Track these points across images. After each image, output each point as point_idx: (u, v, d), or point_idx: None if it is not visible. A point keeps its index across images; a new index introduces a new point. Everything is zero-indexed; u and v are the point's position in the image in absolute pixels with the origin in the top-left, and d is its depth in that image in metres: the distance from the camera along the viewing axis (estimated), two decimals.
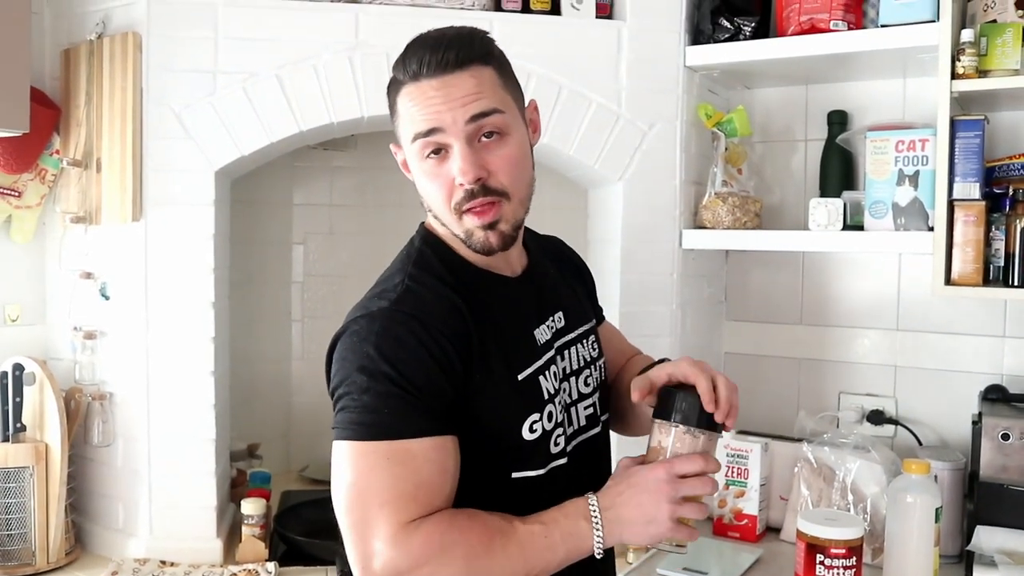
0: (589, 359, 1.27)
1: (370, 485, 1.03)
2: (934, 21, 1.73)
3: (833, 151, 2.04)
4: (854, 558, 1.52)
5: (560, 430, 1.18)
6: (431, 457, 1.04)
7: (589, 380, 1.26)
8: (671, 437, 1.11)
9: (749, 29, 1.95)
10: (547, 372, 1.18)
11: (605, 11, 1.99)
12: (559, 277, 1.33)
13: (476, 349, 1.10)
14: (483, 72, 1.11)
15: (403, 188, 2.49)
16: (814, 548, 1.52)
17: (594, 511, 1.07)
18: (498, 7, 1.96)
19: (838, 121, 2.06)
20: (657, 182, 1.96)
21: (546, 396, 1.16)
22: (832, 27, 1.84)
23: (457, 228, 1.13)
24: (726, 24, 1.95)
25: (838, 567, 1.51)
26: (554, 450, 1.17)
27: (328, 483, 2.36)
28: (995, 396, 1.88)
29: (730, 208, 1.95)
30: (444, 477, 1.05)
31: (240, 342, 2.30)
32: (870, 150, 1.84)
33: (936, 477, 1.77)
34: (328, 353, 1.16)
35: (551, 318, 1.23)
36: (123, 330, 1.92)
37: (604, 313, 1.47)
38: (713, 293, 2.23)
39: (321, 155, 2.52)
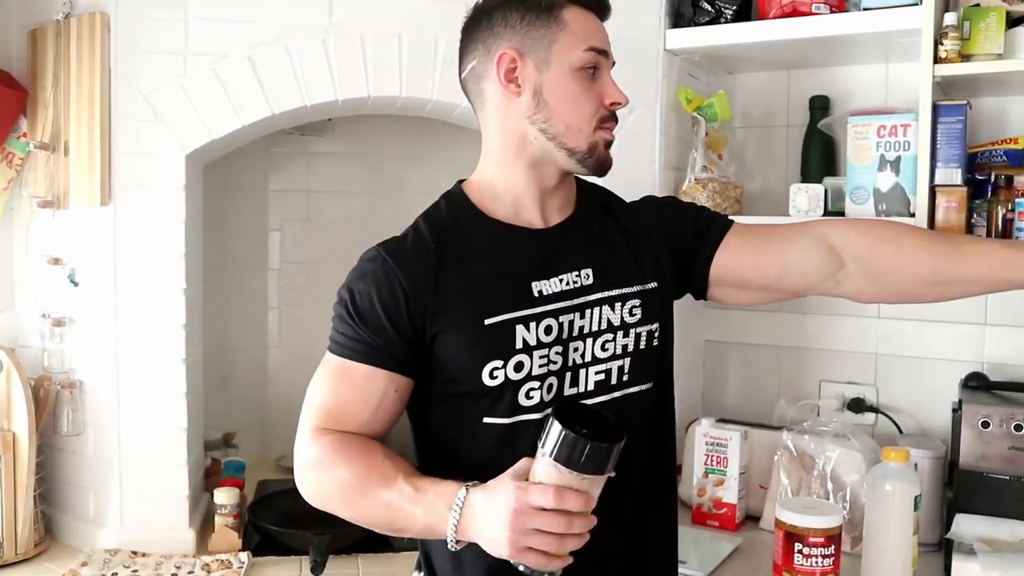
0: (616, 324, 1.23)
1: (313, 390, 1.20)
2: (917, 4, 1.70)
3: (814, 137, 2.02)
4: (832, 547, 1.50)
5: (535, 384, 1.17)
6: (358, 383, 1.16)
7: (608, 345, 1.23)
8: (538, 463, 1.05)
9: (730, 12, 1.92)
10: (534, 323, 1.18)
11: None
12: (611, 236, 1.29)
13: (432, 292, 1.17)
14: None
15: (381, 174, 2.53)
16: (792, 537, 1.50)
17: (458, 504, 1.06)
18: None
19: (820, 106, 2.04)
20: (636, 167, 1.93)
21: (519, 346, 1.17)
22: (814, 10, 1.82)
23: (584, 140, 1.20)
24: (707, 7, 1.93)
25: (816, 556, 1.50)
26: (525, 403, 1.17)
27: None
28: (975, 384, 1.87)
29: (710, 194, 1.93)
30: (364, 405, 1.16)
31: (215, 329, 2.27)
32: (851, 135, 1.82)
33: (916, 465, 1.76)
34: None
35: (571, 273, 1.23)
36: (92, 317, 1.88)
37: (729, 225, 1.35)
38: None
39: (298, 140, 2.48)
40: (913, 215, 1.72)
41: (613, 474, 1.05)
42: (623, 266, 1.27)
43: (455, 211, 1.25)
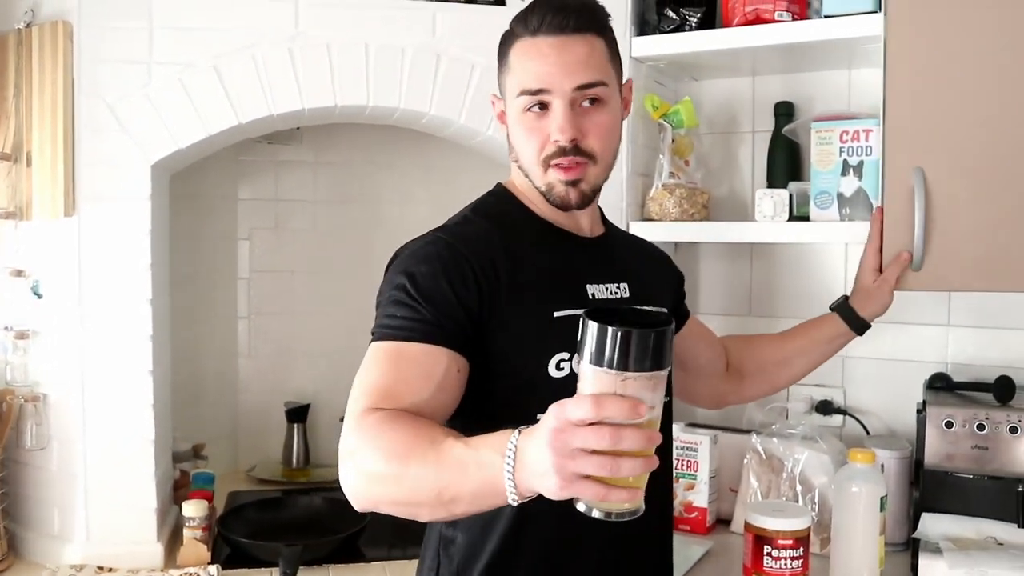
0: None
1: (361, 378, 1.11)
2: (877, 12, 1.73)
3: (779, 142, 2.04)
4: (801, 548, 1.52)
5: None
6: (419, 360, 1.10)
7: None
8: (580, 377, 0.90)
9: (695, 20, 1.94)
10: None
11: None
12: (634, 260, 1.40)
13: (506, 280, 1.17)
14: (596, 43, 1.22)
15: (351, 183, 2.52)
16: (761, 540, 1.52)
17: (511, 448, 0.90)
18: None
19: (784, 112, 2.06)
20: None
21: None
22: (776, 17, 1.83)
23: (540, 180, 1.23)
24: (672, 15, 1.94)
25: (785, 558, 1.51)
26: None
27: (275, 482, 2.34)
28: (940, 384, 1.89)
29: (677, 200, 1.94)
30: (426, 382, 1.10)
31: (184, 340, 2.25)
32: (815, 141, 1.84)
33: (883, 466, 1.78)
34: (385, 271, 1.24)
35: (613, 284, 1.28)
36: (56, 329, 1.86)
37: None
38: None
39: (266, 149, 2.47)
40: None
41: (665, 370, 0.87)
42: (650, 288, 1.36)
43: (506, 207, 1.29)
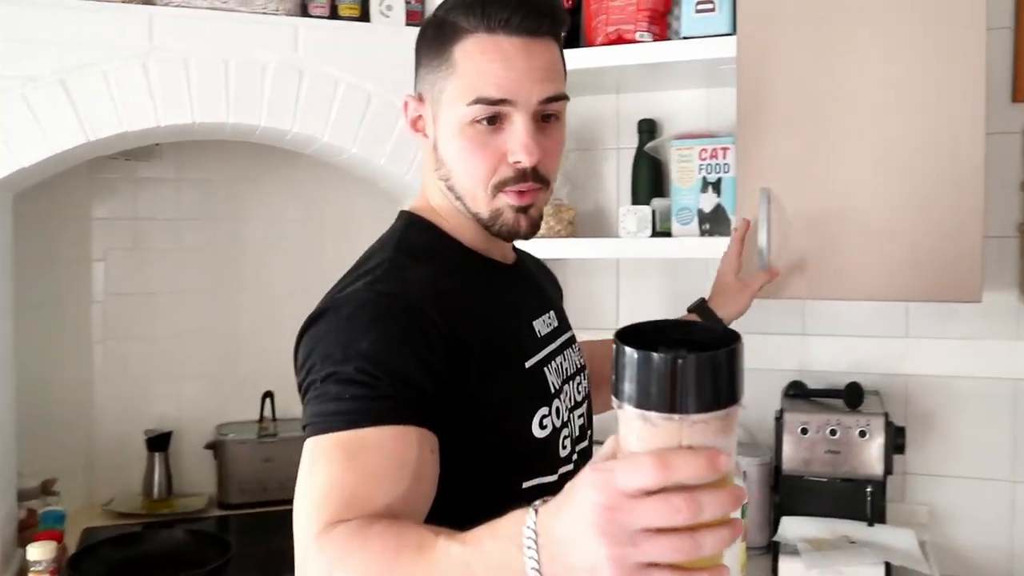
0: (579, 366, 1.19)
1: (312, 482, 0.87)
2: (733, 34, 1.79)
3: (642, 159, 2.09)
4: None
5: (567, 431, 1.07)
6: (386, 448, 0.87)
7: (580, 388, 1.16)
8: (621, 427, 0.64)
9: None
10: (550, 365, 1.08)
11: (416, 18, 1.96)
12: (543, 282, 1.30)
13: (471, 335, 0.97)
14: (555, 49, 1.06)
15: (215, 200, 2.44)
16: None
17: (530, 534, 0.67)
18: (305, 12, 1.90)
19: (647, 129, 2.11)
20: None
21: (552, 390, 1.05)
22: (638, 38, 1.89)
23: (483, 206, 1.04)
24: None
25: None
26: (562, 453, 1.05)
27: (135, 515, 2.22)
28: (795, 392, 1.98)
29: (544, 217, 1.96)
30: (400, 474, 0.87)
31: (33, 368, 2.13)
32: (675, 158, 1.90)
33: (745, 473, 1.85)
34: (296, 344, 1.00)
35: (547, 315, 1.15)
36: None
37: None
38: None
39: (123, 165, 2.36)
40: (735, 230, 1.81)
41: (744, 406, 0.63)
42: (561, 311, 1.25)
43: (434, 243, 1.08)
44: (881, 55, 1.63)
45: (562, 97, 1.04)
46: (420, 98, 1.08)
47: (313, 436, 0.89)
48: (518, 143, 1.00)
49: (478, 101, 1.00)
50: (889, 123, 1.63)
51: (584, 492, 0.62)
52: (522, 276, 1.18)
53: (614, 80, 2.11)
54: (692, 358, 0.59)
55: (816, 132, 1.67)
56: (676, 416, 0.59)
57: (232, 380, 2.43)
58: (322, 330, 0.95)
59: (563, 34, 1.09)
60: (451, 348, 0.94)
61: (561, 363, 1.13)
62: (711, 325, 0.63)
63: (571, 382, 1.14)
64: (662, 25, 1.91)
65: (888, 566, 1.68)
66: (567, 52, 1.89)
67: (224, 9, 1.80)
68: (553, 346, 1.12)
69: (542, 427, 1.02)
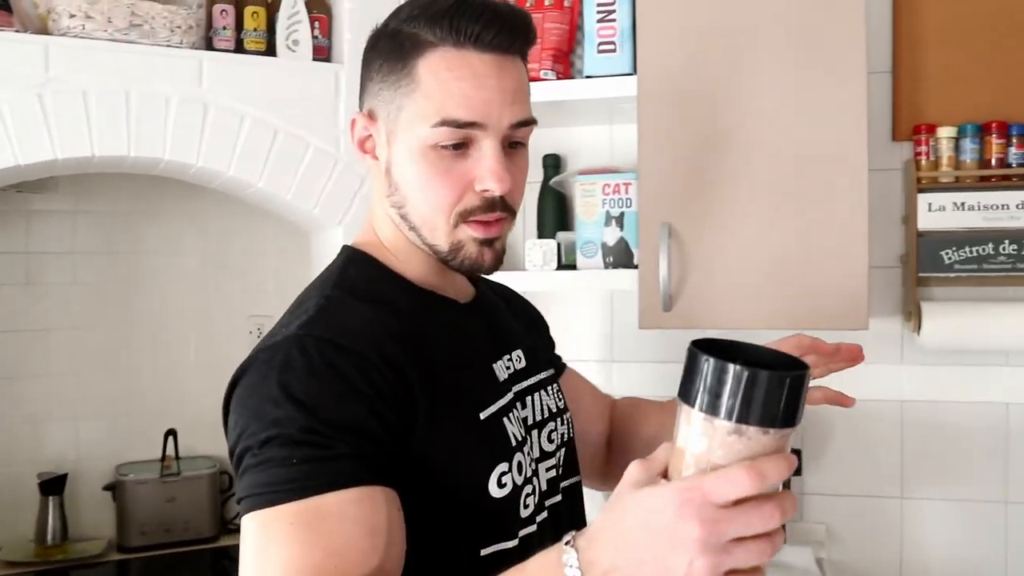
0: (554, 410, 1.05)
1: (266, 567, 0.76)
2: (633, 74, 1.86)
3: (548, 193, 2.14)
4: None
5: (530, 487, 0.95)
6: (350, 514, 0.77)
7: (553, 436, 1.03)
8: (697, 440, 0.65)
9: None
10: (511, 415, 0.96)
11: (323, 53, 1.97)
12: (512, 316, 1.13)
13: (419, 381, 0.86)
14: (523, 69, 0.96)
15: (113, 233, 2.38)
16: None
17: (573, 572, 0.66)
18: (210, 46, 1.88)
19: (552, 164, 2.16)
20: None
21: (513, 443, 0.93)
22: (542, 76, 1.93)
23: (443, 238, 0.93)
24: None
25: None
26: (524, 513, 0.93)
27: (27, 564, 2.12)
28: None
29: None
30: (371, 539, 0.77)
31: None
32: (579, 193, 1.95)
33: None
34: (224, 402, 0.89)
35: (509, 355, 1.02)
36: None
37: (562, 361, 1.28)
38: None
39: (14, 197, 2.28)
40: (636, 267, 1.86)
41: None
42: (537, 347, 1.11)
43: (377, 280, 0.97)
44: (771, 96, 1.72)
45: (531, 121, 0.95)
46: (371, 116, 0.96)
47: (258, 510, 0.78)
48: (487, 170, 0.90)
49: (444, 123, 0.89)
50: (779, 160, 1.71)
51: (664, 510, 0.62)
52: (481, 314, 1.05)
53: None
54: (794, 376, 0.62)
55: (712, 169, 1.74)
56: (771, 431, 0.62)
57: (132, 418, 2.36)
58: (253, 384, 0.84)
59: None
60: (399, 396, 0.84)
61: (527, 410, 1.01)
62: (769, 349, 0.62)
63: (538, 430, 1.02)
64: (566, 64, 1.97)
65: None
66: None
67: (125, 41, 1.77)
68: (516, 390, 1.00)
69: (500, 486, 0.90)
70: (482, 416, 0.91)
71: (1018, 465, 2.03)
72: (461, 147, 0.91)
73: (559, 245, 1.97)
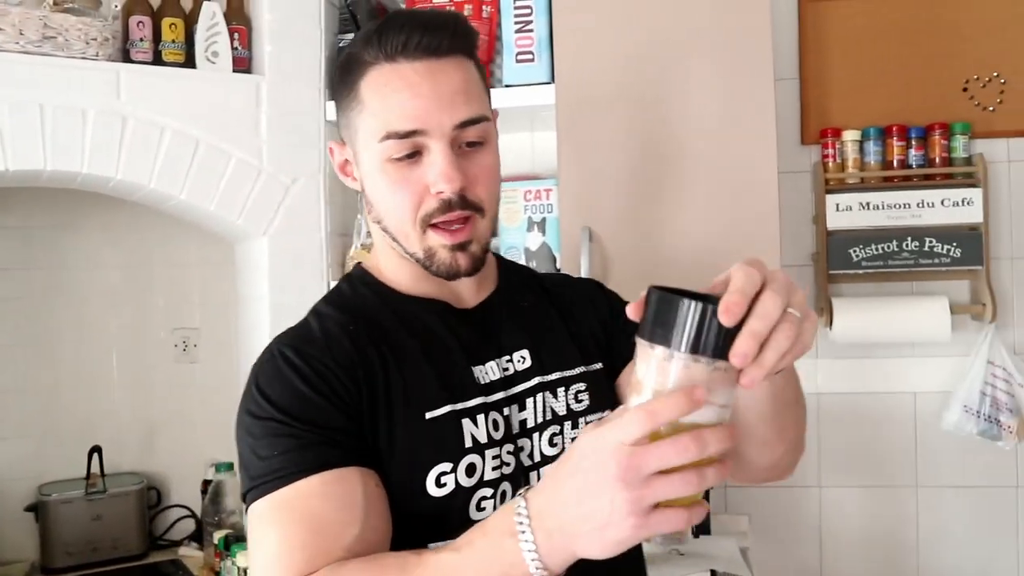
0: (562, 414, 1.03)
1: (265, 549, 0.88)
2: (551, 83, 1.90)
3: None
4: None
5: (488, 491, 0.95)
6: (328, 493, 0.87)
7: (556, 440, 1.02)
8: (652, 366, 0.68)
9: None
10: (481, 416, 0.97)
11: (243, 64, 1.96)
12: (544, 312, 1.11)
13: (369, 382, 0.94)
14: (469, 67, 0.98)
15: (31, 248, 2.33)
16: None
17: (521, 523, 0.72)
18: (127, 58, 1.86)
19: None
20: (302, 235, 1.95)
21: (468, 444, 0.95)
22: None
23: (417, 245, 0.98)
24: None
25: None
26: (477, 516, 0.94)
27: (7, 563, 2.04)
28: None
29: None
30: (350, 513, 0.87)
31: None
32: (502, 199, 1.98)
33: None
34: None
35: (507, 357, 1.03)
36: None
37: None
38: None
39: None
40: (559, 270, 1.91)
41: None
42: (561, 346, 1.08)
43: (362, 291, 1.05)
44: (685, 103, 1.78)
45: (482, 119, 0.97)
46: (343, 141, 1.04)
47: (253, 503, 0.90)
48: (437, 172, 0.94)
49: (389, 136, 0.94)
50: (695, 165, 1.78)
51: (592, 448, 0.67)
52: (480, 316, 1.06)
53: None
54: (708, 303, 0.65)
55: (629, 174, 1.80)
56: (702, 359, 0.65)
57: (54, 436, 2.31)
58: (244, 396, 0.97)
59: (475, 48, 1.02)
60: (351, 394, 0.93)
61: (525, 412, 1.02)
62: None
63: (537, 434, 1.02)
64: (486, 73, 2.00)
65: (713, 573, 1.81)
66: None
67: (38, 53, 1.74)
68: (512, 392, 1.01)
69: (440, 485, 0.93)
70: (428, 416, 0.95)
71: (926, 451, 2.14)
72: (414, 155, 0.95)
73: None
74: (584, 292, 1.18)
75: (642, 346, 0.68)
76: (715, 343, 0.65)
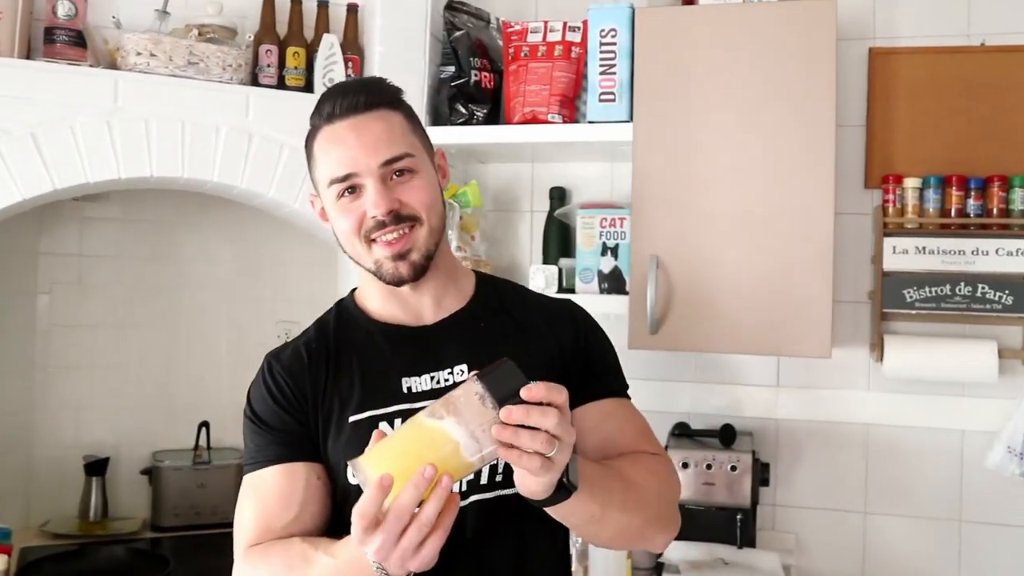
0: None
1: (240, 514, 1.20)
2: (629, 121, 2.07)
3: (552, 222, 2.36)
4: None
5: None
6: (277, 483, 1.17)
7: None
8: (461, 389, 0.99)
9: (481, 115, 2.23)
10: (399, 420, 1.15)
11: None
12: (501, 332, 1.24)
13: (316, 389, 1.20)
14: (392, 117, 1.19)
15: (158, 241, 2.61)
16: None
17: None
18: (255, 82, 2.12)
19: (558, 196, 2.37)
20: None
21: None
22: (550, 119, 2.15)
23: (367, 260, 1.19)
24: (462, 109, 2.22)
25: None
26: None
27: (71, 536, 2.33)
28: (680, 432, 2.25)
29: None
30: (288, 502, 1.16)
31: None
32: (580, 225, 2.17)
33: None
34: None
35: (444, 371, 1.20)
36: None
37: (617, 392, 1.29)
38: None
39: (71, 205, 2.51)
40: (627, 293, 2.08)
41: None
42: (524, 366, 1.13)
43: (339, 314, 1.29)
44: (749, 145, 1.94)
45: (404, 155, 1.17)
46: (315, 194, 1.27)
47: (243, 477, 1.21)
48: (368, 202, 1.15)
49: (332, 182, 1.18)
50: (754, 204, 1.94)
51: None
52: (430, 335, 1.23)
53: (529, 152, 2.38)
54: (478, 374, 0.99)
55: (694, 209, 1.96)
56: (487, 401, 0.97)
57: (168, 410, 2.59)
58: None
59: (398, 99, 1.22)
60: (301, 402, 1.20)
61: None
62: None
63: None
64: (571, 109, 2.19)
65: None
66: (488, 128, 2.21)
67: (183, 76, 2.00)
68: (430, 402, 1.05)
69: (354, 477, 1.04)
70: (351, 419, 1.18)
71: (971, 487, 2.22)
72: (354, 191, 1.17)
73: (560, 271, 2.19)
74: (554, 315, 1.30)
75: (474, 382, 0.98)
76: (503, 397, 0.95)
